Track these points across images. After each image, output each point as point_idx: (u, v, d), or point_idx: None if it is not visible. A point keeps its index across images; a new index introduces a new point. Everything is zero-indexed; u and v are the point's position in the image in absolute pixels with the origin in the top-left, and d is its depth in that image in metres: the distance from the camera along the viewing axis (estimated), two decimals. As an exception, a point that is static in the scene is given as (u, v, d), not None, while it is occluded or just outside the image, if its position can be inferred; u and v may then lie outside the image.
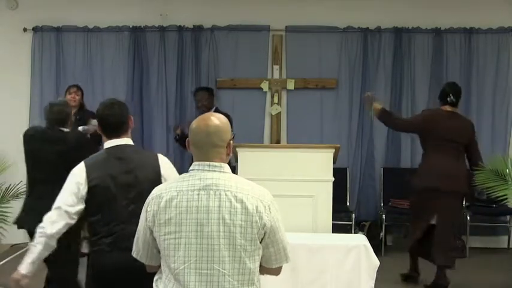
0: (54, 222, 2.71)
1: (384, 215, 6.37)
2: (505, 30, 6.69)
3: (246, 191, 2.15)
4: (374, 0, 6.70)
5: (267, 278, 2.34)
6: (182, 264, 2.11)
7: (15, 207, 5.29)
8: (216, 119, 2.22)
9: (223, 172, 2.19)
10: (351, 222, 6.23)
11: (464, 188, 5.09)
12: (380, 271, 4.04)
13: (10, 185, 5.21)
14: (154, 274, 2.29)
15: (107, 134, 2.88)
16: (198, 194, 2.13)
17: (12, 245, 6.42)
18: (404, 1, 6.69)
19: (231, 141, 2.25)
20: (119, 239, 2.73)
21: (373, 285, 4.00)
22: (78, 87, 6.18)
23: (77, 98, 6.10)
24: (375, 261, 4.00)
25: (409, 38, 6.74)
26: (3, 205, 5.06)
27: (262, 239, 2.17)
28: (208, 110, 5.81)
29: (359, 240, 4.15)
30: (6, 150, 6.48)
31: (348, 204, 6.56)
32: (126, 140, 2.87)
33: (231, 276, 2.12)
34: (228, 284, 2.11)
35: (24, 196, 5.54)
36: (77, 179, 2.76)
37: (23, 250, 6.41)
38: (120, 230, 2.74)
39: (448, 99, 5.14)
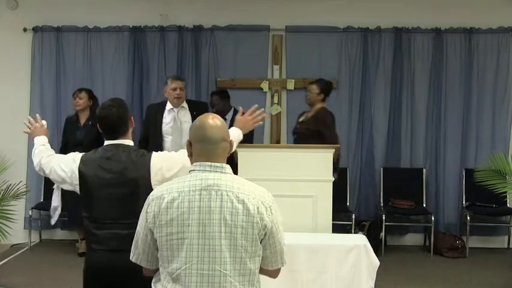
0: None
1: (384, 215, 6.36)
2: (505, 30, 6.69)
3: (248, 192, 2.15)
4: (374, 0, 6.70)
5: (267, 278, 2.34)
6: (184, 265, 2.11)
7: (16, 207, 5.33)
8: (215, 117, 2.28)
9: (225, 173, 2.19)
10: (351, 222, 6.22)
11: None
12: (380, 271, 4.04)
13: (10, 185, 5.21)
14: (139, 273, 2.30)
15: (105, 135, 2.91)
16: (200, 195, 2.13)
17: (12, 245, 6.43)
18: (404, 1, 6.69)
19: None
20: (105, 238, 2.77)
21: (373, 285, 4.00)
22: (82, 90, 6.18)
23: (81, 101, 6.11)
24: (375, 261, 4.01)
25: (409, 38, 6.73)
26: (3, 205, 5.06)
27: (262, 240, 2.17)
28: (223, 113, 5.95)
29: (359, 240, 4.15)
30: (6, 150, 6.49)
31: (348, 204, 6.55)
32: (122, 141, 2.88)
33: (232, 277, 2.11)
34: (229, 285, 2.11)
35: (24, 196, 5.59)
36: (73, 165, 2.88)
37: (23, 250, 6.43)
38: (106, 229, 2.77)
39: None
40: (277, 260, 2.25)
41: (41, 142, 3.17)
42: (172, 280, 2.13)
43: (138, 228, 2.24)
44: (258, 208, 2.13)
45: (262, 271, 2.27)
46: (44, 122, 3.30)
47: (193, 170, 2.20)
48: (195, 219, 2.11)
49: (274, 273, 2.31)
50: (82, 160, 2.86)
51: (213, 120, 2.24)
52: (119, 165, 2.80)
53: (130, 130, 2.94)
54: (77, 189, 2.87)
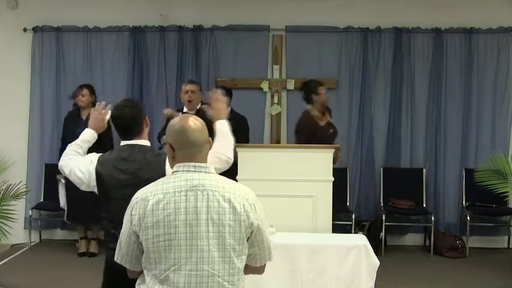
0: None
1: (384, 215, 6.36)
2: (505, 30, 6.68)
3: (233, 191, 2.17)
4: (374, 0, 6.70)
5: (267, 278, 2.35)
6: (172, 266, 2.10)
7: (16, 207, 5.33)
8: (196, 119, 2.27)
9: (209, 173, 2.20)
10: (351, 222, 6.22)
11: None
12: (380, 271, 4.04)
13: (10, 185, 5.21)
14: None
15: (120, 135, 2.92)
16: (186, 195, 2.12)
17: (12, 245, 6.43)
18: (405, 1, 6.68)
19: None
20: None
21: (373, 285, 4.00)
22: (85, 87, 6.16)
23: (84, 98, 6.09)
24: (375, 261, 4.01)
25: (409, 38, 6.73)
26: (3, 205, 5.07)
27: (248, 238, 2.18)
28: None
29: (359, 240, 4.15)
30: (6, 150, 6.49)
31: (348, 204, 6.55)
32: (138, 141, 2.88)
33: (220, 277, 2.12)
34: (217, 285, 2.11)
35: (24, 196, 5.58)
36: (90, 166, 2.85)
37: (23, 250, 6.43)
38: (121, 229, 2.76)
39: None
40: (266, 256, 2.27)
41: (81, 138, 3.09)
42: (159, 282, 2.13)
43: (122, 230, 2.23)
44: (243, 206, 2.15)
45: (249, 269, 2.27)
46: (108, 113, 3.09)
47: (177, 171, 2.20)
48: (181, 220, 2.11)
49: (260, 270, 2.32)
50: (99, 161, 2.86)
51: (193, 122, 2.23)
52: (134, 165, 2.80)
53: (146, 130, 2.93)
54: (95, 190, 2.87)
